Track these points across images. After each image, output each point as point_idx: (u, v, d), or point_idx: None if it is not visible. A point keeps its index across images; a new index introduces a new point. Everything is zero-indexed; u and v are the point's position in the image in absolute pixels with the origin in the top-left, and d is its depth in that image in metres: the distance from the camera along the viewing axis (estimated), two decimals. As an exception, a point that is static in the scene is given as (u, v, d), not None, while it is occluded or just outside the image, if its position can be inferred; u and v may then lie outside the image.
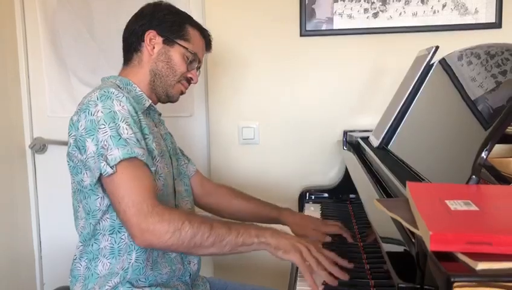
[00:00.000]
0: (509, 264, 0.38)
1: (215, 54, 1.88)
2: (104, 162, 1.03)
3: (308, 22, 1.82)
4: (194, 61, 1.28)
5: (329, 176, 1.87)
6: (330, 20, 1.81)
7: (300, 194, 1.77)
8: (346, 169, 1.77)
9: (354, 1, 1.79)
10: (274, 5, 1.84)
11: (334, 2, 1.80)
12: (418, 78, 1.29)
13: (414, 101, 1.29)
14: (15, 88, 2.02)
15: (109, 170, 1.02)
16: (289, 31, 1.84)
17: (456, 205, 0.49)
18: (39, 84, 2.05)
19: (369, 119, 1.76)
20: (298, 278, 1.07)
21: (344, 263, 1.03)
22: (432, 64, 1.28)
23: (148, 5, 1.29)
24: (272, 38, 1.85)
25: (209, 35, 1.35)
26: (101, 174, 1.04)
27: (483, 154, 0.60)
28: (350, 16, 1.80)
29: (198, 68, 1.32)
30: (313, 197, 1.76)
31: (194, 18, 1.34)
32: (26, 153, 2.08)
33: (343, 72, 1.84)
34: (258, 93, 1.89)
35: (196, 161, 1.57)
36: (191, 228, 1.01)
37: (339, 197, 1.74)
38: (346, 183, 1.76)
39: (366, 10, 1.79)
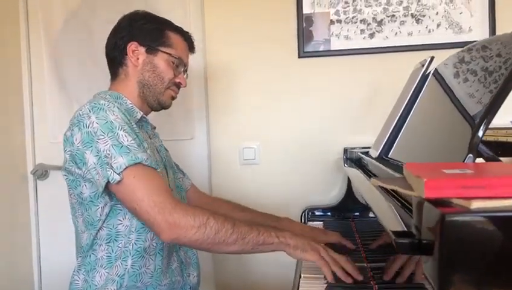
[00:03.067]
0: (503, 202, 0.38)
1: (215, 75, 1.93)
2: (111, 170, 1.03)
3: (306, 44, 1.86)
4: (179, 65, 1.28)
5: (331, 195, 1.86)
6: (327, 41, 1.85)
7: (302, 213, 1.76)
8: (348, 187, 1.76)
9: (350, 23, 1.84)
10: (272, 28, 1.88)
11: (331, 24, 1.85)
12: (415, 88, 1.30)
13: (412, 111, 1.30)
14: (18, 114, 2.04)
15: (117, 177, 1.03)
16: (287, 52, 1.88)
17: (451, 171, 0.49)
18: (42, 110, 2.08)
19: (368, 137, 1.76)
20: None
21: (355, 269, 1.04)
22: (428, 74, 1.30)
23: (124, 17, 1.29)
24: (271, 60, 1.89)
25: (190, 36, 1.34)
26: (108, 182, 1.04)
27: (480, 133, 0.60)
28: (347, 37, 1.84)
29: (185, 71, 1.32)
30: (315, 215, 1.74)
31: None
32: (28, 179, 2.08)
33: (341, 91, 1.87)
34: (258, 114, 1.91)
35: (197, 183, 1.58)
36: (215, 224, 1.02)
37: (341, 215, 1.73)
38: (348, 201, 1.75)
39: (362, 31, 1.84)
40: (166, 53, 1.25)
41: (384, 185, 0.53)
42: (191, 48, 1.35)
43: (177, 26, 1.31)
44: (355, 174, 1.41)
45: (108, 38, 1.29)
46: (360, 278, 1.00)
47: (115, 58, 1.27)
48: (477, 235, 0.37)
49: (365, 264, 1.13)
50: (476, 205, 0.38)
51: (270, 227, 1.09)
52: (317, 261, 1.03)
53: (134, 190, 1.03)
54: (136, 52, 1.24)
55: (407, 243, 0.42)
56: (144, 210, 1.02)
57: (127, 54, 1.24)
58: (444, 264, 0.36)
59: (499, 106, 0.64)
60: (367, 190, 0.99)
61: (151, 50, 1.25)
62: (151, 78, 1.25)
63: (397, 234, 0.47)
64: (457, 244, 0.36)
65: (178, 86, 1.30)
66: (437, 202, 0.40)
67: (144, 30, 1.25)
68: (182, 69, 1.30)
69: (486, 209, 0.37)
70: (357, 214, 1.69)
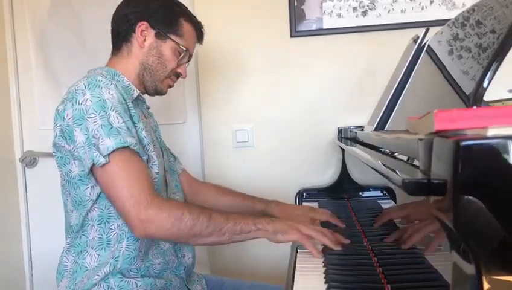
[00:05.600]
0: (521, 128, 0.35)
1: (206, 58, 1.89)
2: (97, 152, 1.00)
3: (298, 23, 1.83)
4: (185, 56, 1.24)
5: (326, 176, 1.84)
6: (320, 20, 1.82)
7: (297, 194, 1.73)
8: (343, 167, 1.74)
9: (342, 0, 1.81)
10: (263, 7, 1.85)
11: (323, 1, 1.81)
12: (411, 60, 1.28)
13: (408, 84, 1.27)
14: (5, 101, 1.99)
15: (102, 160, 1.00)
16: (279, 32, 1.84)
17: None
18: (29, 97, 2.03)
19: (362, 117, 1.74)
20: (296, 273, 1.02)
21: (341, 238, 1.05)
22: (423, 45, 1.27)
23: None
24: (263, 40, 1.86)
25: (201, 28, 1.30)
26: (93, 164, 1.01)
27: (485, 83, 0.58)
28: (339, 15, 1.81)
29: (188, 61, 1.28)
30: (310, 195, 1.72)
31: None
32: (17, 166, 2.03)
33: (334, 71, 1.84)
34: (250, 95, 1.88)
35: (190, 167, 1.55)
36: (190, 219, 1.00)
37: (336, 196, 1.70)
38: (343, 182, 1.73)
39: (355, 9, 1.81)
40: (176, 42, 1.21)
41: (387, 136, 0.51)
42: (199, 39, 1.31)
43: (192, 15, 1.27)
44: (353, 149, 1.38)
45: (119, 8, 1.23)
46: (347, 241, 1.03)
47: (122, 32, 1.21)
48: (496, 163, 0.34)
49: (365, 243, 1.10)
50: (492, 131, 0.35)
51: (249, 215, 1.08)
52: (300, 239, 1.03)
53: (115, 178, 1.01)
54: (144, 33, 1.20)
55: (414, 182, 0.40)
56: (120, 201, 1.00)
57: (135, 32, 1.20)
58: (460, 199, 0.34)
59: (506, 53, 0.61)
60: (364, 154, 0.97)
61: (161, 35, 1.20)
62: (154, 63, 1.21)
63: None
64: (474, 175, 0.33)
65: (178, 75, 1.27)
66: (448, 135, 0.37)
67: (159, 13, 1.20)
68: (186, 60, 1.26)
69: (505, 136, 0.34)
70: (352, 194, 1.68)
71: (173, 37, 1.21)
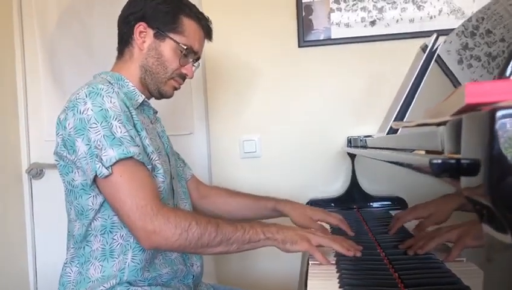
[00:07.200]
0: None
1: (214, 68, 1.89)
2: (99, 163, 0.97)
3: (306, 33, 1.83)
4: (188, 55, 1.19)
5: (336, 187, 1.81)
6: (328, 30, 1.82)
7: (306, 204, 1.71)
8: (353, 177, 1.72)
9: (350, 10, 1.81)
10: (271, 18, 1.85)
11: (331, 12, 1.81)
12: (421, 66, 1.27)
13: (419, 89, 1.26)
14: (13, 112, 2.00)
15: (105, 171, 0.97)
16: (287, 42, 1.84)
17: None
18: (37, 108, 2.04)
19: (371, 127, 1.72)
20: (309, 279, 1.00)
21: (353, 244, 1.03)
22: (435, 50, 1.26)
23: None
24: (271, 50, 1.85)
25: (207, 24, 1.24)
26: (96, 175, 0.99)
27: (508, 71, 0.56)
28: (347, 25, 1.81)
29: (196, 60, 1.23)
30: (319, 206, 1.69)
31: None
32: (23, 178, 2.02)
33: (342, 81, 1.83)
34: (258, 105, 1.87)
35: (198, 178, 1.53)
36: (198, 229, 0.97)
37: (346, 206, 1.68)
38: (352, 192, 1.71)
39: (363, 19, 1.80)
40: (175, 41, 1.16)
41: (409, 125, 0.49)
42: (207, 35, 1.25)
43: (196, 12, 1.21)
44: (365, 152, 1.36)
45: (123, 9, 1.20)
46: (359, 254, 0.99)
47: (124, 34, 1.19)
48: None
49: (378, 250, 1.07)
50: (532, 99, 0.33)
51: (258, 224, 1.05)
52: (309, 250, 1.01)
53: (119, 189, 0.98)
54: (143, 34, 1.16)
55: (443, 162, 0.37)
56: (125, 213, 0.97)
57: (134, 34, 1.17)
58: (497, 173, 0.31)
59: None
60: (379, 152, 0.95)
61: (159, 35, 1.16)
62: (154, 65, 1.17)
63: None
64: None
65: (183, 76, 1.22)
66: (479, 109, 0.35)
67: (157, 11, 1.16)
68: (191, 60, 1.21)
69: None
70: (362, 204, 1.65)
71: (172, 35, 1.16)
